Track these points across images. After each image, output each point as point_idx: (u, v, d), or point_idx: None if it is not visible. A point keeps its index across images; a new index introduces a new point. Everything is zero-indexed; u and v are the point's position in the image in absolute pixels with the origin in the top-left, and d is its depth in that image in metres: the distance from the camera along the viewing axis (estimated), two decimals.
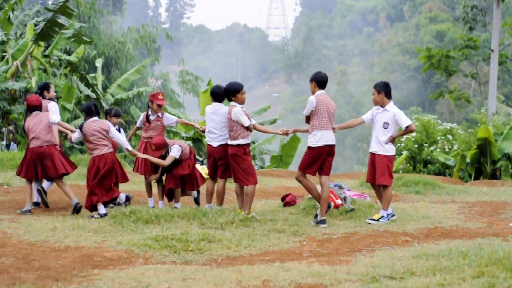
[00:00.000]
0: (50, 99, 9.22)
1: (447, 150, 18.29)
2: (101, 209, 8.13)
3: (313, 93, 7.90)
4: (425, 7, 77.44)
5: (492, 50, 25.23)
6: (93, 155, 8.24)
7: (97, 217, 7.97)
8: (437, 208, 9.61)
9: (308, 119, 7.95)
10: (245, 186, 8.04)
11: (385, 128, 8.06)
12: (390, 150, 8.09)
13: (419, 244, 6.61)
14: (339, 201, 8.88)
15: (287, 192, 10.41)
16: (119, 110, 9.60)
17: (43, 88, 9.18)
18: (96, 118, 8.41)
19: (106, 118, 9.43)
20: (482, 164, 16.23)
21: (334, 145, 7.90)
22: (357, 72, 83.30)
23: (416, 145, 18.59)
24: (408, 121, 8.07)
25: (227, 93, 8.06)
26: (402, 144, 18.71)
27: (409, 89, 69.88)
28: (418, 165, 18.56)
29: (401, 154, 18.56)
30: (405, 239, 6.96)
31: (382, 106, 8.13)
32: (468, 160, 16.40)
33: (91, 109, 8.42)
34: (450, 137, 18.83)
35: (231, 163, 7.99)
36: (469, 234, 7.27)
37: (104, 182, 8.21)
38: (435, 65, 32.23)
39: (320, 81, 7.88)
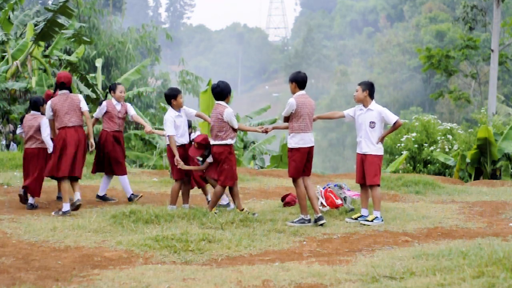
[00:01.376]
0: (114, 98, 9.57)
1: (447, 150, 18.28)
2: (30, 199, 8.73)
3: (293, 93, 7.86)
4: (425, 7, 77.46)
5: (492, 50, 25.24)
6: (25, 147, 8.75)
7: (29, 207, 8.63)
8: (437, 208, 9.60)
9: (286, 119, 7.93)
10: (216, 186, 8.07)
11: (372, 128, 8.03)
12: (380, 149, 8.10)
13: (419, 244, 6.61)
14: (339, 201, 8.87)
15: (287, 192, 10.39)
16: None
17: (110, 89, 9.64)
18: (34, 112, 8.76)
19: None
20: (482, 164, 16.22)
21: (312, 146, 7.89)
22: (357, 72, 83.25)
23: (416, 145, 18.57)
24: (395, 117, 8.05)
25: (223, 92, 8.08)
26: (402, 144, 18.70)
27: (409, 89, 69.91)
28: (418, 165, 18.55)
29: (401, 154, 18.54)
30: (405, 239, 6.96)
31: (365, 106, 8.10)
32: (468, 160, 16.39)
33: (37, 104, 8.78)
34: (450, 137, 18.82)
35: (218, 162, 8.02)
36: (469, 234, 7.26)
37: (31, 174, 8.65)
38: (435, 65, 32.23)
39: (300, 82, 7.84)
